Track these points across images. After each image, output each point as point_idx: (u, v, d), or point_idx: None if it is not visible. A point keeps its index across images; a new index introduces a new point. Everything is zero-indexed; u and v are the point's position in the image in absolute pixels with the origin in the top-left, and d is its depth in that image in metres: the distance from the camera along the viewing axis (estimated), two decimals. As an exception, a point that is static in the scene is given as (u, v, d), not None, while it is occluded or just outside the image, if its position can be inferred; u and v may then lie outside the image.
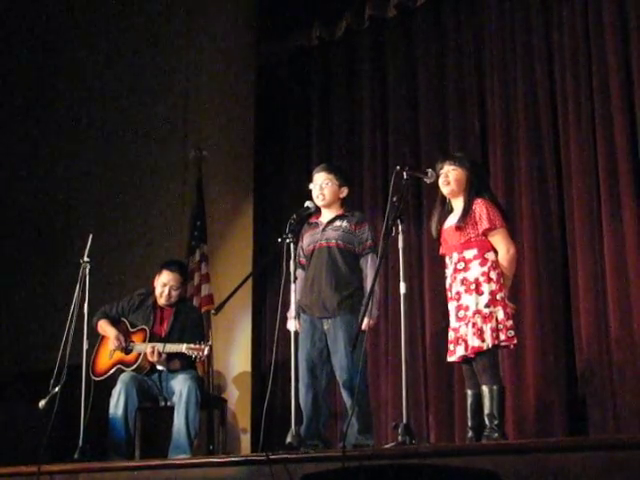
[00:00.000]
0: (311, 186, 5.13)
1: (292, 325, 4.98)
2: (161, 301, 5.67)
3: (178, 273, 5.72)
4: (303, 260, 5.10)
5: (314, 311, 4.98)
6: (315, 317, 4.98)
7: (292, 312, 4.87)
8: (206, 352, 5.33)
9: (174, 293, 5.68)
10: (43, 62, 7.85)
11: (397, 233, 4.39)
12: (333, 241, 5.02)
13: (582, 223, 5.41)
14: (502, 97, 5.92)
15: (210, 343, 5.49)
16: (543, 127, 5.70)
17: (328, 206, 5.10)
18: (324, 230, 5.06)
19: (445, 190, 4.73)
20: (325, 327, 4.96)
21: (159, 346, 5.39)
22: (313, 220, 5.17)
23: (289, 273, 4.80)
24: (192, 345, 5.33)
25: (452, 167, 4.70)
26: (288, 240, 4.75)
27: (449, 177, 4.69)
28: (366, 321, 4.58)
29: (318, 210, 5.14)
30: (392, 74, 6.53)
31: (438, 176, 4.71)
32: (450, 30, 6.28)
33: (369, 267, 4.96)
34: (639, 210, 5.23)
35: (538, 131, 5.71)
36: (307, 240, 5.12)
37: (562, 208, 5.56)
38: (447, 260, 4.73)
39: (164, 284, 5.66)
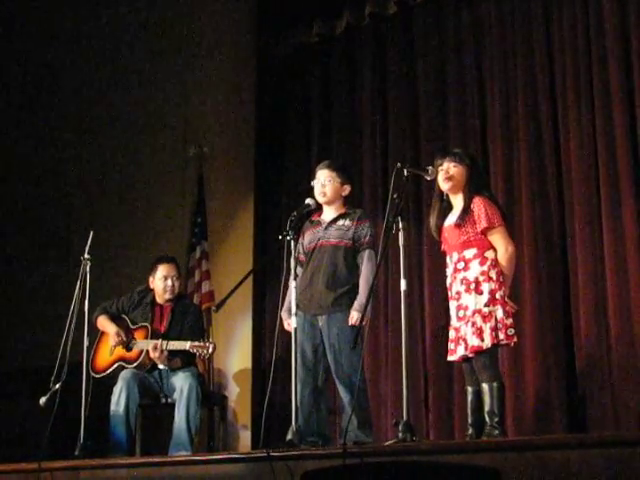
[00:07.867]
0: (313, 182, 5.12)
1: (292, 322, 4.99)
2: (166, 296, 5.67)
3: (173, 263, 5.77)
4: (302, 257, 5.08)
5: (310, 308, 4.98)
6: (311, 314, 4.98)
7: (293, 309, 4.87)
8: (211, 350, 5.28)
9: (177, 283, 5.70)
10: (44, 60, 7.83)
11: (397, 230, 4.40)
12: (334, 240, 5.01)
13: (582, 222, 5.41)
14: (502, 95, 5.91)
15: (214, 341, 5.47)
16: (543, 126, 5.69)
17: (329, 203, 5.09)
18: (326, 229, 5.05)
19: (445, 186, 4.71)
20: (321, 324, 4.96)
21: (162, 343, 5.38)
22: (315, 218, 5.15)
23: (289, 270, 4.80)
24: (196, 343, 5.30)
25: (452, 164, 4.68)
26: (289, 237, 4.72)
27: (449, 173, 4.67)
28: (365, 317, 4.59)
29: (319, 207, 5.12)
30: (392, 71, 6.53)
31: (437, 172, 4.71)
32: (450, 27, 6.27)
33: (365, 263, 4.95)
34: (639, 209, 5.23)
35: (538, 130, 5.71)
36: (308, 238, 5.11)
37: (562, 207, 5.56)
38: (447, 259, 4.72)
39: (165, 277, 5.66)
